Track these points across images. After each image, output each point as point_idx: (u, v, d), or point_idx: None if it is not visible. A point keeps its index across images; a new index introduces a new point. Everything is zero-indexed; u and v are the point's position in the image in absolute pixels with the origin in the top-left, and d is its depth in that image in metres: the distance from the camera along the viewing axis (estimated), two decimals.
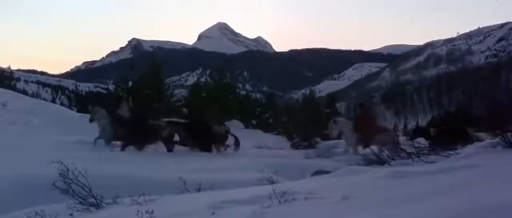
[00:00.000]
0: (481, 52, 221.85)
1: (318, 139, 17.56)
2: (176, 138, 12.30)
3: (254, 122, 24.70)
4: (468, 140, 10.15)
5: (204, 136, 12.23)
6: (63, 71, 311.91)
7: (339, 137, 13.24)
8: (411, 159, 6.24)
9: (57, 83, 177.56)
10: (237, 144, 12.44)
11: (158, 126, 12.12)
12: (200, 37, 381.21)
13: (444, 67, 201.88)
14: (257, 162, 9.72)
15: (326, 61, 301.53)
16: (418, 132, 14.88)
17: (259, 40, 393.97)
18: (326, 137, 17.27)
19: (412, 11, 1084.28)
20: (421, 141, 10.22)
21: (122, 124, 12.08)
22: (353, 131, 12.11)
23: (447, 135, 12.20)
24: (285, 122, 23.33)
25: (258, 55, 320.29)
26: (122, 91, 18.98)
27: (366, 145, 11.50)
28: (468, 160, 4.61)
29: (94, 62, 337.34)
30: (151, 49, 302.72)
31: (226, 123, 20.52)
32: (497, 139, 5.11)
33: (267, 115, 26.62)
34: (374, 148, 9.58)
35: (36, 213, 4.40)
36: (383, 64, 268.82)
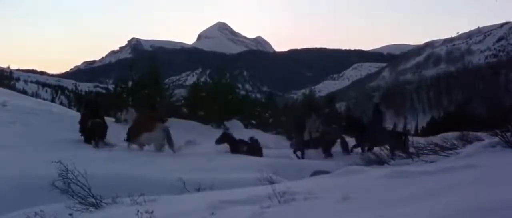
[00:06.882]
0: (481, 52, 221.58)
1: None
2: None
3: (254, 122, 24.70)
4: None
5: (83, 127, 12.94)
6: (63, 71, 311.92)
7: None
8: (411, 159, 6.24)
9: (56, 83, 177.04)
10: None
11: None
12: (199, 37, 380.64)
13: (443, 67, 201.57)
14: (256, 162, 9.72)
15: (326, 61, 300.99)
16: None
17: (258, 40, 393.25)
18: None
19: (412, 11, 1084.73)
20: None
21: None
22: (132, 124, 12.60)
23: None
24: (284, 121, 23.31)
25: (257, 55, 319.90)
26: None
27: (134, 139, 12.10)
28: (468, 160, 4.59)
29: (93, 62, 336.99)
30: (150, 49, 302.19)
31: (226, 122, 20.62)
32: (497, 139, 5.09)
33: (267, 115, 26.63)
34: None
35: (35, 213, 4.39)
36: (382, 64, 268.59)
